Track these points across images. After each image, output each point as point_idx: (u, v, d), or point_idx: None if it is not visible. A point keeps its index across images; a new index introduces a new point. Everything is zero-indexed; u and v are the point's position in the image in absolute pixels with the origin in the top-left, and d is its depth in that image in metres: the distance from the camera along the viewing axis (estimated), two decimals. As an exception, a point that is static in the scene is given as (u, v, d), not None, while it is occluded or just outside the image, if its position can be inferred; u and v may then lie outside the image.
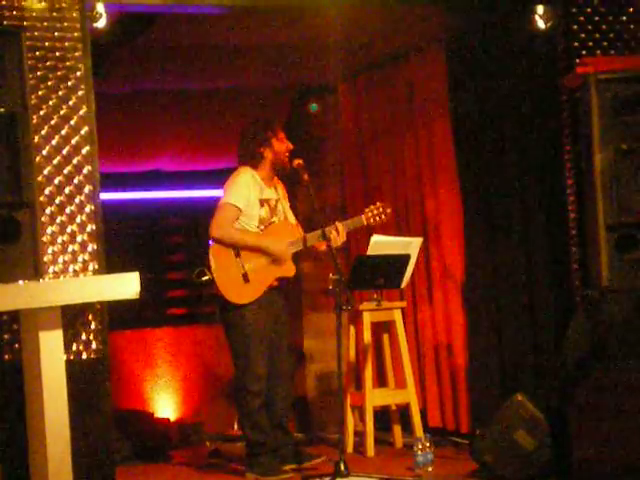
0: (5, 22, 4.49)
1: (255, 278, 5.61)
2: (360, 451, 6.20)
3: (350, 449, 6.25)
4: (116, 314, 4.92)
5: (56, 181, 4.58)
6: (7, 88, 4.23)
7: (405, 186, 6.80)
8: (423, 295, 6.71)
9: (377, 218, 5.78)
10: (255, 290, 5.61)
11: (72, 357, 4.49)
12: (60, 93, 4.62)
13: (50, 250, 4.54)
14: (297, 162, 5.70)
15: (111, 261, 4.73)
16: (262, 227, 5.70)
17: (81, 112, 4.66)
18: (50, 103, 4.60)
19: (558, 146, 5.35)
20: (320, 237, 5.59)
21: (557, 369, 5.36)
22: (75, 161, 4.63)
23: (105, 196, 4.78)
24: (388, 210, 5.80)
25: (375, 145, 7.16)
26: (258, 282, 5.61)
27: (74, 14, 4.66)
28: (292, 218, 5.88)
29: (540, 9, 5.30)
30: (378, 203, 5.82)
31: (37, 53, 4.58)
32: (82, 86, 4.66)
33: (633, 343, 4.76)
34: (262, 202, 5.70)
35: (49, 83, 4.59)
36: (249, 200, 5.65)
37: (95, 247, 4.62)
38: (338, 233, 5.64)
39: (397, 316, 6.31)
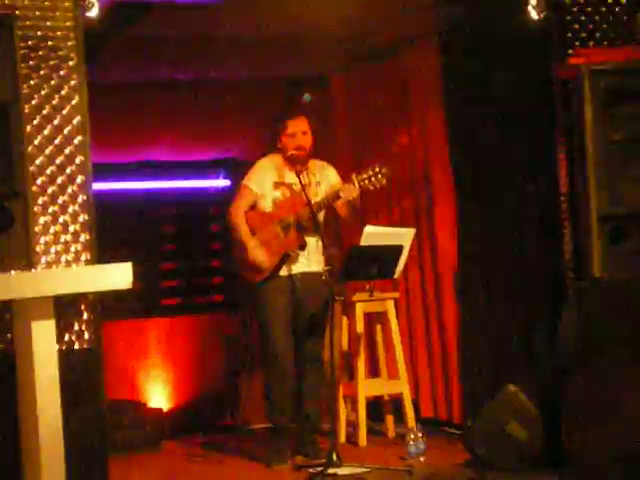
0: (-3, 11, 4.47)
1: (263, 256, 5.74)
2: (352, 441, 6.21)
3: (342, 439, 6.26)
4: (109, 304, 4.92)
5: (48, 171, 4.56)
6: (-1, 77, 4.22)
7: (398, 178, 6.79)
8: (416, 286, 6.72)
9: (371, 180, 5.54)
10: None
11: (65, 347, 4.47)
12: (52, 83, 4.59)
13: (42, 240, 4.52)
14: (291, 153, 5.75)
15: (104, 251, 4.72)
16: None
17: (73, 102, 4.63)
18: (42, 93, 4.57)
19: (551, 137, 5.35)
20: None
21: (549, 360, 5.37)
22: (67, 151, 4.60)
23: (98, 186, 4.76)
24: (384, 170, 5.52)
25: (368, 137, 7.15)
26: (266, 260, 5.73)
27: (66, 3, 4.63)
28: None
29: (533, 0, 5.29)
30: (376, 165, 5.58)
31: (29, 42, 4.54)
32: (74, 76, 4.63)
33: (624, 334, 4.77)
34: (276, 185, 5.78)
35: (41, 72, 4.56)
36: (264, 183, 5.79)
37: (87, 237, 4.60)
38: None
39: (390, 307, 6.32)
